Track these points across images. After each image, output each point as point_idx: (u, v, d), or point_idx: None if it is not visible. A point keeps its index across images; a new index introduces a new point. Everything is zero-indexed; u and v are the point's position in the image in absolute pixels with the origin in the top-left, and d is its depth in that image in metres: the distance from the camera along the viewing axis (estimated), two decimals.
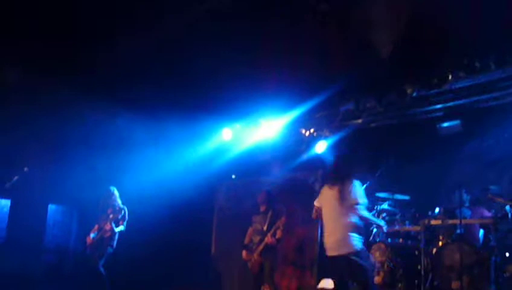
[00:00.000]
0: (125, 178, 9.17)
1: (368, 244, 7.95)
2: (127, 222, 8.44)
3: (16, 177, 7.65)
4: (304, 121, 8.76)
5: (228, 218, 10.04)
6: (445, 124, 7.83)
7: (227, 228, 9.89)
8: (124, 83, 7.70)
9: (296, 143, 9.13)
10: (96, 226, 8.44)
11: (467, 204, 7.33)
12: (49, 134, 9.15)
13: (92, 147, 9.49)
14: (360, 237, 5.58)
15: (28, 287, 8.14)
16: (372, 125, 8.38)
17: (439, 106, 7.56)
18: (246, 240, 7.81)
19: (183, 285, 9.54)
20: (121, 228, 8.36)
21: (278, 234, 7.36)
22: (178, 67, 7.22)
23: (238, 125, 9.41)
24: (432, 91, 7.39)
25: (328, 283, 7.90)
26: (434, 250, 7.08)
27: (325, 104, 8.26)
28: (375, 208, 8.25)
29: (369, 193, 8.18)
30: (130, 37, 6.74)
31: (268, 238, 7.39)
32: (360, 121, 8.35)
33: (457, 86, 7.15)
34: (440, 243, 7.11)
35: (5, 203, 11.02)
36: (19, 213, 10.47)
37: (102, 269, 8.08)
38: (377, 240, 8.00)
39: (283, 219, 7.34)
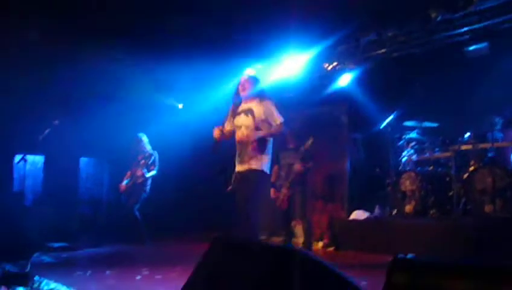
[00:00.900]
0: (151, 125, 9.27)
1: (398, 173, 7.99)
2: (159, 167, 8.59)
3: (47, 130, 7.79)
4: (326, 55, 8.63)
5: None
6: (472, 48, 7.66)
7: None
8: (145, 28, 7.65)
9: (320, 78, 9.04)
10: (128, 173, 8.62)
11: (498, 127, 7.24)
12: (76, 88, 9.25)
13: (117, 98, 9.61)
14: None
15: (66, 238, 8.40)
16: (395, 54, 8.21)
17: (465, 29, 7.33)
18: (273, 178, 7.71)
19: (214, 227, 9.73)
20: (153, 173, 8.52)
21: (309, 163, 7.21)
22: (198, 7, 7.12)
23: (259, 65, 9.33)
24: (457, 14, 7.16)
25: (359, 214, 8.00)
26: (465, 175, 7.05)
27: (346, 37, 8.13)
28: (403, 137, 8.23)
29: (397, 123, 8.21)
30: None
31: (296, 166, 7.23)
32: (383, 51, 8.20)
33: (483, 6, 6.92)
34: (471, 168, 7.06)
35: (39, 159, 11.31)
36: (52, 168, 10.72)
37: (137, 214, 8.30)
38: (407, 169, 8.01)
39: (311, 139, 7.11)
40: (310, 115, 9.11)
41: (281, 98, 9.57)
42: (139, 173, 8.37)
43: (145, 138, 8.65)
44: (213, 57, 8.27)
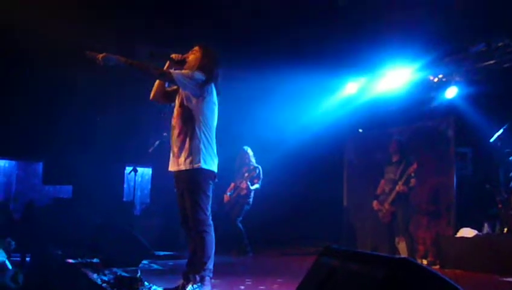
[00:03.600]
0: (253, 137, 9.43)
1: (509, 190, 7.62)
2: (262, 180, 8.73)
3: (157, 142, 8.16)
4: (432, 67, 8.42)
5: (359, 171, 10.00)
6: None
7: (358, 181, 9.87)
8: (245, 40, 7.83)
9: (425, 91, 8.83)
10: (232, 185, 8.84)
11: None
12: None
13: (220, 111, 9.86)
14: None
15: (172, 247, 8.72)
16: (506, 65, 7.86)
17: None
18: (378, 191, 7.78)
19: (317, 239, 9.72)
20: (256, 186, 8.67)
21: (412, 182, 7.23)
22: (302, 21, 7.22)
23: (363, 79, 9.29)
24: None
25: (467, 232, 7.68)
26: None
27: (453, 47, 7.90)
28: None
29: (507, 137, 7.84)
30: None
31: (399, 187, 7.28)
32: (492, 62, 7.87)
33: None
34: None
35: (147, 171, 11.89)
36: (159, 179, 11.21)
37: (240, 225, 8.47)
38: None
39: (415, 165, 7.17)
40: (415, 129, 8.92)
41: (386, 112, 9.52)
42: (243, 185, 8.56)
43: (250, 151, 8.83)
44: (316, 71, 8.32)
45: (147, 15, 7.16)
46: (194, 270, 4.37)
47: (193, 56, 4.52)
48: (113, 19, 7.11)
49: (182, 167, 4.34)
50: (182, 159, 4.35)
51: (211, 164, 4.43)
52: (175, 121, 4.47)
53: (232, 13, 7.11)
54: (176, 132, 4.43)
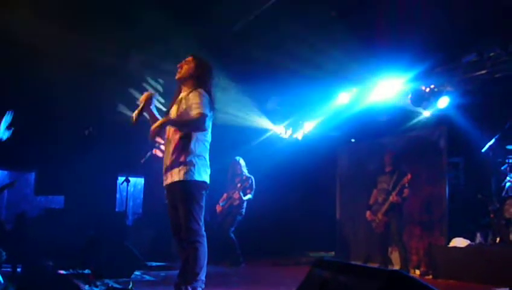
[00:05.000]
0: (244, 149, 9.44)
1: (501, 200, 7.64)
2: (254, 190, 8.72)
3: (149, 153, 8.12)
4: (423, 77, 8.46)
5: (351, 181, 10.02)
6: None
7: (351, 192, 9.88)
8: (235, 51, 7.85)
9: (416, 101, 8.85)
10: (225, 195, 8.83)
11: None
12: None
13: (215, 122, 9.87)
14: None
15: (164, 258, 8.69)
16: (498, 75, 7.90)
17: None
18: (371, 201, 7.81)
19: (310, 249, 9.72)
20: (249, 196, 8.66)
21: (405, 192, 7.26)
22: (292, 32, 7.24)
23: (355, 89, 9.31)
24: None
25: (459, 241, 7.70)
26: None
27: (445, 57, 7.94)
28: (506, 161, 7.88)
29: (499, 146, 7.87)
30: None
31: (393, 197, 7.32)
32: (484, 72, 7.91)
33: None
34: None
35: (140, 181, 11.85)
36: (151, 189, 11.18)
37: (232, 236, 8.46)
38: (511, 194, 7.65)
39: (408, 176, 7.22)
40: (407, 139, 8.96)
41: (378, 122, 9.56)
42: (236, 195, 8.56)
43: (242, 162, 8.83)
44: (307, 81, 8.34)
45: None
46: (185, 281, 4.35)
47: (186, 66, 4.55)
48: (108, 27, 7.10)
49: (176, 178, 4.36)
50: (175, 171, 4.37)
51: (204, 175, 4.48)
52: (170, 135, 4.49)
53: (225, 22, 7.15)
54: (171, 146, 4.45)
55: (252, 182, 8.69)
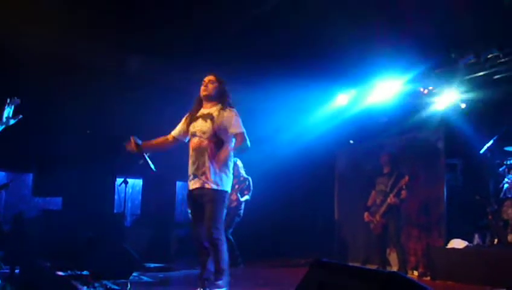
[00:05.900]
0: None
1: (499, 201, 7.66)
2: (252, 191, 8.71)
3: (147, 154, 8.12)
4: (422, 79, 8.47)
5: (350, 182, 10.03)
6: None
7: (350, 193, 9.89)
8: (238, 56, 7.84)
9: (415, 102, 8.87)
10: None
11: None
12: (175, 115, 9.64)
13: None
14: None
15: (163, 259, 8.69)
16: (496, 77, 7.92)
17: None
18: (369, 202, 7.81)
19: (308, 250, 9.71)
20: (247, 197, 8.64)
21: (403, 194, 7.26)
22: (292, 33, 7.23)
23: (353, 90, 9.32)
24: None
25: (457, 243, 7.71)
26: None
27: (443, 60, 7.94)
28: (505, 163, 7.89)
29: (497, 148, 7.88)
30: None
31: (391, 199, 7.32)
32: (482, 73, 7.93)
33: None
34: None
35: (137, 182, 11.84)
36: (150, 191, 11.17)
37: (231, 237, 8.44)
38: (509, 196, 7.66)
39: (406, 178, 7.23)
40: (405, 140, 8.97)
41: (376, 123, 9.56)
42: (233, 197, 8.54)
43: (239, 163, 8.81)
44: (307, 82, 8.34)
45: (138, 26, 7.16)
46: (215, 277, 4.81)
47: (211, 85, 5.02)
48: (105, 29, 7.09)
49: (213, 186, 4.82)
50: (211, 178, 4.83)
51: (230, 186, 5.04)
52: (206, 144, 4.89)
53: (225, 25, 7.14)
54: (206, 154, 4.87)
55: (249, 183, 8.68)
